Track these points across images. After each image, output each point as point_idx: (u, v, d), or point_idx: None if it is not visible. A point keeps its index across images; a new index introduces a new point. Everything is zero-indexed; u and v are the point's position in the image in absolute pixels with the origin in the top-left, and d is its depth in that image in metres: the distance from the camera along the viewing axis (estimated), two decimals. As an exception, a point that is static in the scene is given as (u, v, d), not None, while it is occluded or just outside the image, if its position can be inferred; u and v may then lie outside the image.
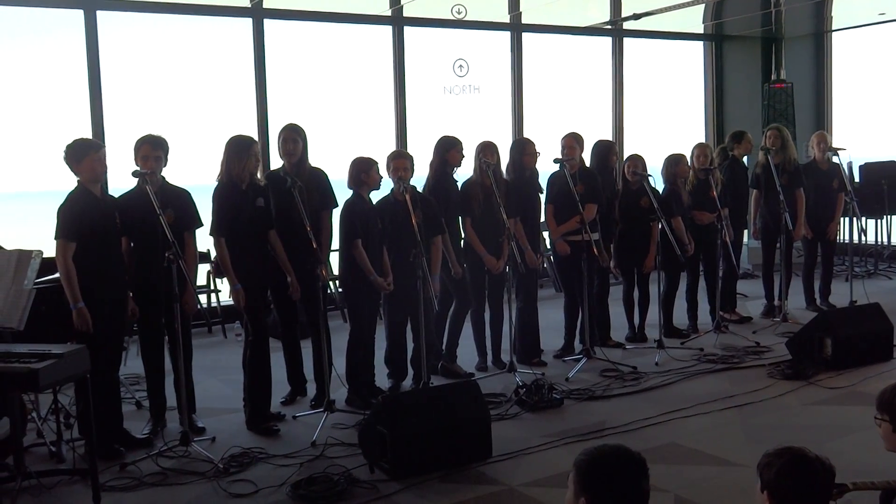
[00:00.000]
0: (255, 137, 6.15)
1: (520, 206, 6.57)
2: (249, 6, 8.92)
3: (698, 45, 12.46)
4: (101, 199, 4.98)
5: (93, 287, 4.83)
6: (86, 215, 4.85)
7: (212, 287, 8.39)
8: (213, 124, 10.51)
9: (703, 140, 11.72)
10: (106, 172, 4.99)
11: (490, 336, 6.73)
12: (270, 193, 5.51)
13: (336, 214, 5.91)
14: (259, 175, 5.54)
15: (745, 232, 8.78)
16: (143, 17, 8.79)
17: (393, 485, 4.44)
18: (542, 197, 6.92)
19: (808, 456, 2.32)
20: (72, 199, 4.89)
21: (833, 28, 12.05)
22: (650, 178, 6.96)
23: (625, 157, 7.64)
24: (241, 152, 5.36)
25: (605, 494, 2.18)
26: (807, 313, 7.99)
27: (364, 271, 5.70)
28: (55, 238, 4.83)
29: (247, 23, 8.92)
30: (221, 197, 5.38)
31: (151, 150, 5.13)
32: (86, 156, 4.87)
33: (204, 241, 5.83)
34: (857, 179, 10.53)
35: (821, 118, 12.26)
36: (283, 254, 5.54)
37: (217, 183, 5.45)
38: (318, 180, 5.83)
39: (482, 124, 10.24)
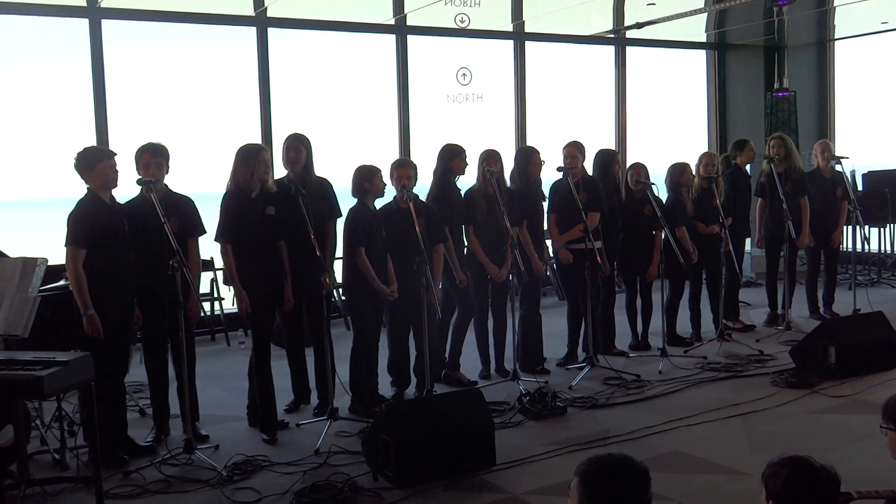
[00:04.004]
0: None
1: (523, 214, 6.58)
2: (253, 15, 8.95)
3: (701, 54, 12.49)
4: (110, 207, 5.00)
5: (101, 294, 4.85)
6: (96, 222, 4.87)
7: (215, 295, 8.40)
8: (217, 133, 10.56)
9: (706, 149, 11.78)
10: (117, 179, 5.00)
11: (493, 344, 6.73)
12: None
13: (340, 224, 5.92)
14: (270, 182, 5.54)
15: (748, 240, 8.78)
16: (148, 25, 8.82)
17: (397, 492, 4.43)
18: (545, 205, 6.92)
19: (813, 465, 2.32)
20: (82, 205, 4.91)
21: (836, 37, 12.07)
22: (653, 187, 6.96)
23: (627, 166, 7.65)
24: (248, 159, 5.39)
25: None
26: (810, 322, 7.98)
27: (367, 279, 5.71)
28: (66, 245, 4.84)
29: (251, 31, 8.95)
30: (228, 204, 5.41)
31: (152, 158, 5.14)
32: (98, 162, 4.91)
33: (207, 248, 5.84)
34: (859, 188, 10.53)
35: (824, 127, 12.28)
36: (287, 264, 5.56)
37: (226, 190, 5.47)
38: (323, 190, 5.85)
39: (485, 132, 10.27)
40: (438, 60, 10.41)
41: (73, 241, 4.83)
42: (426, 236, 5.75)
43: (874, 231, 10.73)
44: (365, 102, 10.91)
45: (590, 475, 2.21)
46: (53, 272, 5.15)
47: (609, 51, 11.41)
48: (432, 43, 10.29)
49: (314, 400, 6.01)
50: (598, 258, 6.65)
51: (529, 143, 9.79)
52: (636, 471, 2.22)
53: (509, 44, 10.60)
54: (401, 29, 9.75)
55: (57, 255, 5.17)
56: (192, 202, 5.36)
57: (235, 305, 5.49)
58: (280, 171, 5.99)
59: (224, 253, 5.42)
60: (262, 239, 5.42)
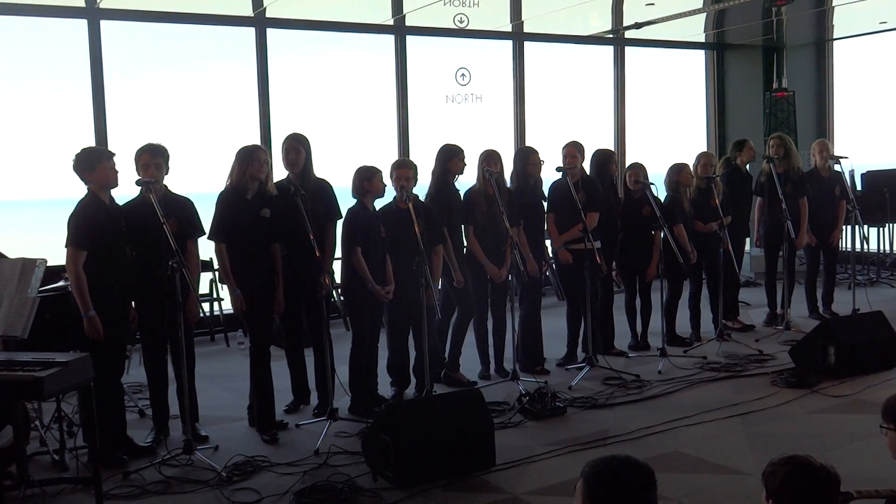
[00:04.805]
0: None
1: (522, 214, 6.58)
2: (252, 15, 8.95)
3: (700, 54, 12.50)
4: (110, 207, 5.00)
5: (101, 295, 4.85)
6: (97, 223, 4.87)
7: (214, 295, 8.40)
8: (216, 133, 10.56)
9: (705, 149, 11.78)
10: (117, 179, 5.01)
11: (493, 344, 6.73)
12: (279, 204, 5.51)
13: (339, 225, 5.93)
14: (270, 185, 5.54)
15: (748, 240, 8.78)
16: (147, 26, 8.82)
17: (396, 493, 4.43)
18: (545, 205, 6.92)
19: (812, 464, 2.32)
20: (83, 206, 4.91)
21: (834, 37, 12.08)
22: (652, 187, 6.96)
23: (626, 166, 7.65)
24: (243, 158, 5.41)
25: None
26: (809, 321, 7.99)
27: (363, 279, 5.71)
28: (66, 246, 4.84)
29: (250, 32, 8.95)
30: (222, 202, 5.44)
31: (151, 158, 5.13)
32: (99, 164, 4.91)
33: (206, 249, 5.84)
34: (858, 188, 10.54)
35: (822, 126, 12.28)
36: (280, 267, 5.55)
37: (223, 188, 5.48)
38: (322, 191, 5.85)
39: (484, 133, 10.27)
40: (437, 61, 10.42)
41: (73, 242, 4.82)
42: (425, 237, 5.75)
43: (873, 231, 10.74)
44: (364, 103, 10.91)
45: (594, 477, 2.20)
46: (53, 273, 5.15)
47: (608, 51, 11.41)
48: (431, 43, 10.29)
49: (314, 400, 6.01)
50: (598, 258, 6.65)
51: (529, 143, 9.79)
52: (641, 472, 2.21)
53: (508, 44, 10.60)
54: (400, 29, 9.74)
55: (56, 255, 5.17)
56: (192, 203, 5.36)
57: (231, 305, 5.50)
58: (280, 172, 5.99)
59: (218, 252, 5.46)
60: (255, 240, 5.42)
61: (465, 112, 10.41)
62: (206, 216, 5.48)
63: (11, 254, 5.29)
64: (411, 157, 8.88)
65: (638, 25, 10.67)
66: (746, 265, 9.99)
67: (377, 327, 6.04)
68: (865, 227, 9.16)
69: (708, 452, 4.94)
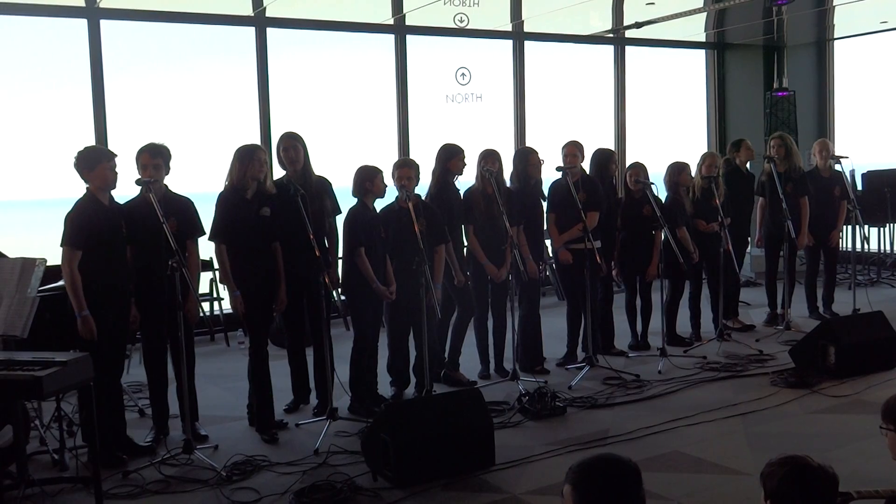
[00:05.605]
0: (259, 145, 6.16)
1: (522, 214, 6.58)
2: (252, 15, 8.95)
3: (700, 54, 12.50)
4: (108, 208, 5.00)
5: (97, 295, 4.85)
6: (93, 223, 4.87)
7: (214, 295, 8.40)
8: (216, 133, 10.56)
9: (705, 148, 11.79)
10: (116, 181, 5.01)
11: (493, 344, 6.73)
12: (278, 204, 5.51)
13: (339, 221, 5.94)
14: (269, 184, 5.54)
15: (749, 240, 8.78)
16: (147, 25, 8.83)
17: (396, 492, 4.43)
18: (545, 205, 6.92)
19: (810, 465, 2.31)
20: (80, 206, 4.91)
21: (835, 36, 12.07)
22: (653, 187, 6.96)
23: (626, 166, 7.65)
24: (242, 158, 5.41)
25: None
26: (810, 321, 7.98)
27: (366, 279, 5.71)
28: (61, 245, 4.85)
29: (250, 31, 8.95)
30: (222, 203, 5.44)
31: (150, 159, 5.13)
32: (99, 164, 4.91)
33: (206, 249, 5.84)
34: (859, 187, 10.54)
35: (823, 126, 12.28)
36: (281, 266, 5.55)
37: (222, 189, 5.48)
38: (326, 188, 5.87)
39: (484, 132, 10.27)
40: (437, 60, 10.41)
41: (68, 241, 4.83)
42: (427, 237, 5.75)
43: (874, 231, 10.73)
44: (364, 102, 10.91)
45: (584, 481, 2.20)
46: (52, 273, 5.15)
47: (608, 50, 11.41)
48: (431, 43, 10.29)
49: (313, 400, 6.01)
50: (598, 258, 6.64)
51: (529, 142, 9.80)
52: (627, 470, 2.21)
53: (508, 43, 10.60)
54: (400, 29, 9.74)
55: (56, 255, 5.16)
56: (192, 203, 5.36)
57: (230, 305, 5.50)
58: (278, 172, 5.99)
59: (218, 252, 5.46)
60: (256, 240, 5.42)
61: (465, 112, 10.41)
62: (206, 216, 5.48)
63: (11, 254, 5.30)
64: (411, 157, 8.88)
65: (638, 25, 10.66)
66: (747, 265, 9.99)
67: (378, 327, 6.04)
68: (866, 227, 9.16)
69: (708, 452, 4.94)
